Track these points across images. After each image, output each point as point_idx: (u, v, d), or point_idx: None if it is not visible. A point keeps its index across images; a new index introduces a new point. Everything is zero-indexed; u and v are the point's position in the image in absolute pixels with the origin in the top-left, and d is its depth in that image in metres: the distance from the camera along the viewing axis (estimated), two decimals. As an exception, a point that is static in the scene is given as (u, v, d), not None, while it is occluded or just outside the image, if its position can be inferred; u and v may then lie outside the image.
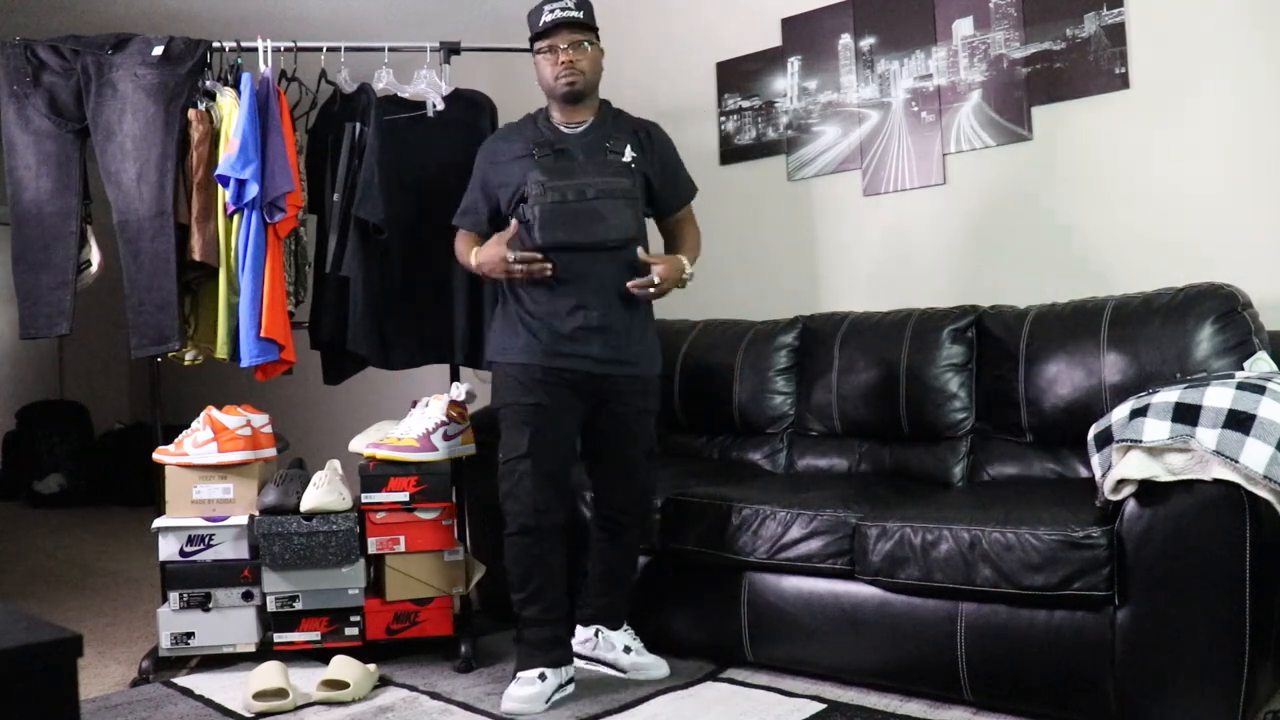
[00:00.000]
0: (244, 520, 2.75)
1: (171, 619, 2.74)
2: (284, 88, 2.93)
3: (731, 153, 3.79)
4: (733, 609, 2.62)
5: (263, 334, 2.77)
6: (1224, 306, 2.45)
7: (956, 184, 3.26)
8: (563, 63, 2.50)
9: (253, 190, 2.73)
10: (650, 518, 2.70)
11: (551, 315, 2.48)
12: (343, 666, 2.54)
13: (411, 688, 2.59)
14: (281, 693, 2.45)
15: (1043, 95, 3.06)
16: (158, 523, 2.77)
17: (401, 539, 2.76)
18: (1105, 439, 2.08)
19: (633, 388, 2.55)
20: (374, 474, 2.77)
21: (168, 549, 2.75)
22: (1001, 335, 2.81)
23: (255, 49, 2.93)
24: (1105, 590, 2.06)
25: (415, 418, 2.85)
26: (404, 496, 2.75)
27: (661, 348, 2.70)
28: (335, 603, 2.75)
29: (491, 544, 3.08)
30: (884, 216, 3.42)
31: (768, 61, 3.68)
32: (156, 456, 2.83)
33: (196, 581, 2.74)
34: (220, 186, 2.79)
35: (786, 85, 3.63)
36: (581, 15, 2.51)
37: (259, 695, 2.43)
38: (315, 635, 2.74)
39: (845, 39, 3.48)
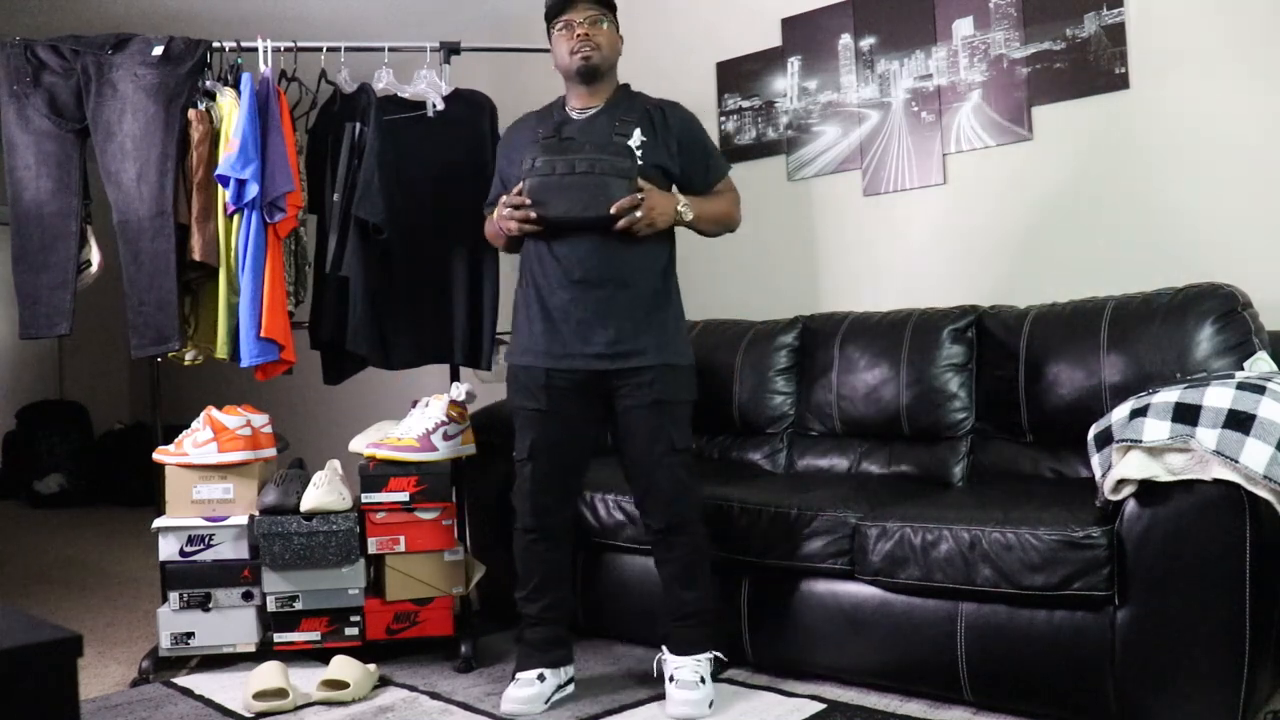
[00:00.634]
0: (244, 520, 2.75)
1: (171, 619, 2.74)
2: (284, 88, 2.93)
3: (731, 153, 3.78)
4: (733, 609, 2.61)
5: (263, 334, 2.77)
6: (1224, 306, 2.45)
7: (956, 184, 3.26)
8: (579, 36, 2.43)
9: (253, 190, 2.73)
10: (694, 526, 2.46)
11: (553, 301, 2.41)
12: (343, 666, 2.54)
13: (411, 688, 2.59)
14: (281, 693, 2.45)
15: (1043, 95, 3.06)
16: (158, 523, 2.77)
17: (401, 539, 2.76)
18: (1105, 439, 2.08)
19: (642, 378, 2.38)
20: (374, 474, 2.77)
21: (168, 549, 2.75)
22: (1001, 335, 2.81)
23: (255, 49, 2.93)
24: (1105, 590, 2.06)
25: (415, 418, 2.85)
26: (404, 496, 2.75)
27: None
28: (335, 603, 2.75)
29: (491, 544, 3.09)
30: (884, 216, 3.42)
31: (768, 61, 3.68)
32: (156, 456, 2.83)
33: (196, 581, 2.74)
34: (220, 186, 2.79)
35: (786, 85, 3.63)
36: None
37: (259, 695, 2.43)
38: (315, 635, 2.74)
39: (845, 39, 3.48)
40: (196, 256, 2.80)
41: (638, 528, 2.78)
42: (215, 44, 2.92)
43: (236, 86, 2.85)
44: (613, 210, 2.31)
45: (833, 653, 2.47)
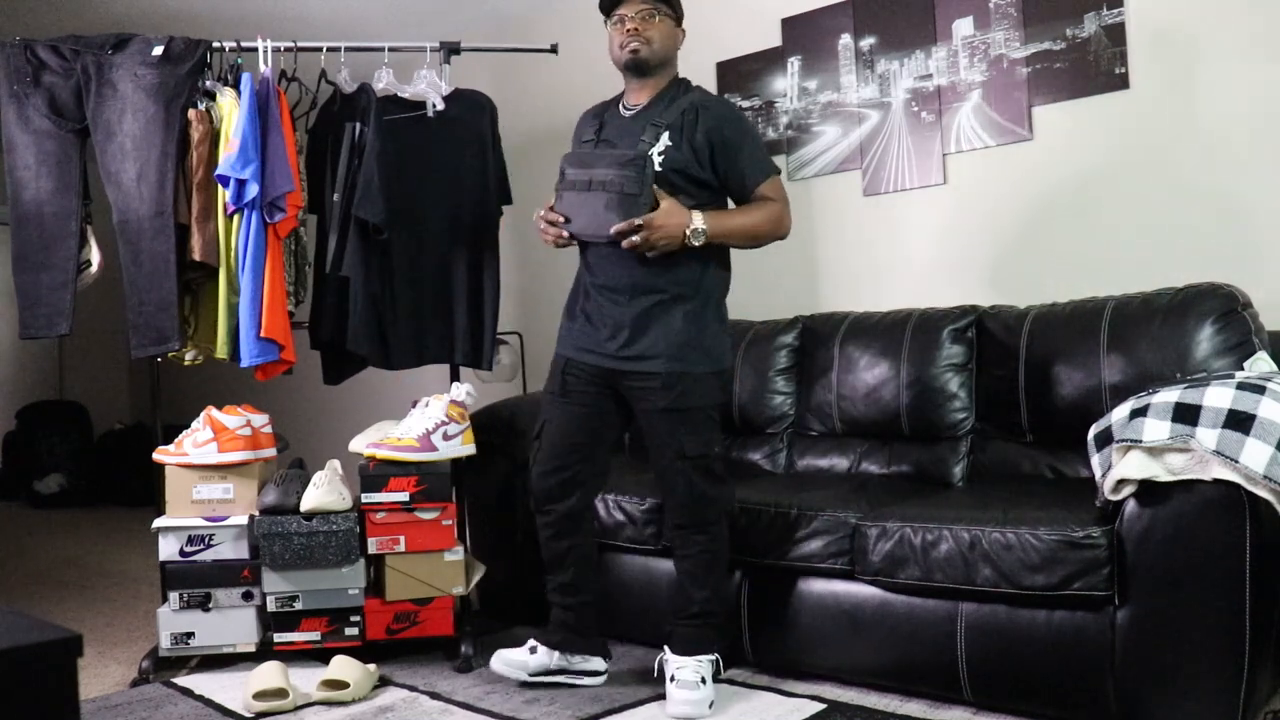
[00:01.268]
0: (244, 520, 2.75)
1: (171, 619, 2.74)
2: (284, 88, 2.93)
3: (731, 153, 3.78)
4: (733, 609, 2.61)
5: (263, 334, 2.77)
6: (1224, 306, 2.45)
7: (956, 184, 3.26)
8: (629, 31, 2.41)
9: (253, 190, 2.73)
10: (713, 528, 2.45)
11: (574, 300, 2.56)
12: (343, 666, 2.54)
13: (411, 688, 2.59)
14: (281, 693, 2.45)
15: (1043, 95, 3.06)
16: (158, 523, 2.77)
17: (401, 539, 2.76)
18: (1105, 439, 2.08)
19: (650, 384, 2.39)
20: (374, 474, 2.76)
21: (168, 549, 2.75)
22: (1001, 335, 2.81)
23: (255, 49, 2.93)
24: (1105, 590, 2.06)
25: (415, 418, 2.85)
26: (404, 496, 2.75)
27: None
28: (335, 603, 2.75)
29: (491, 544, 3.09)
30: (884, 216, 3.42)
31: (768, 61, 3.68)
32: (156, 456, 2.83)
33: (196, 581, 2.74)
34: (220, 186, 2.79)
35: (786, 85, 3.63)
36: None
37: (259, 695, 2.43)
38: (315, 635, 2.74)
39: (845, 39, 3.48)
40: (196, 256, 2.80)
41: (638, 528, 2.79)
42: (215, 44, 2.92)
43: (236, 86, 2.85)
44: (612, 232, 2.33)
45: (833, 653, 2.47)
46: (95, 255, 2.93)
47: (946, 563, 2.25)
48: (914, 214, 3.35)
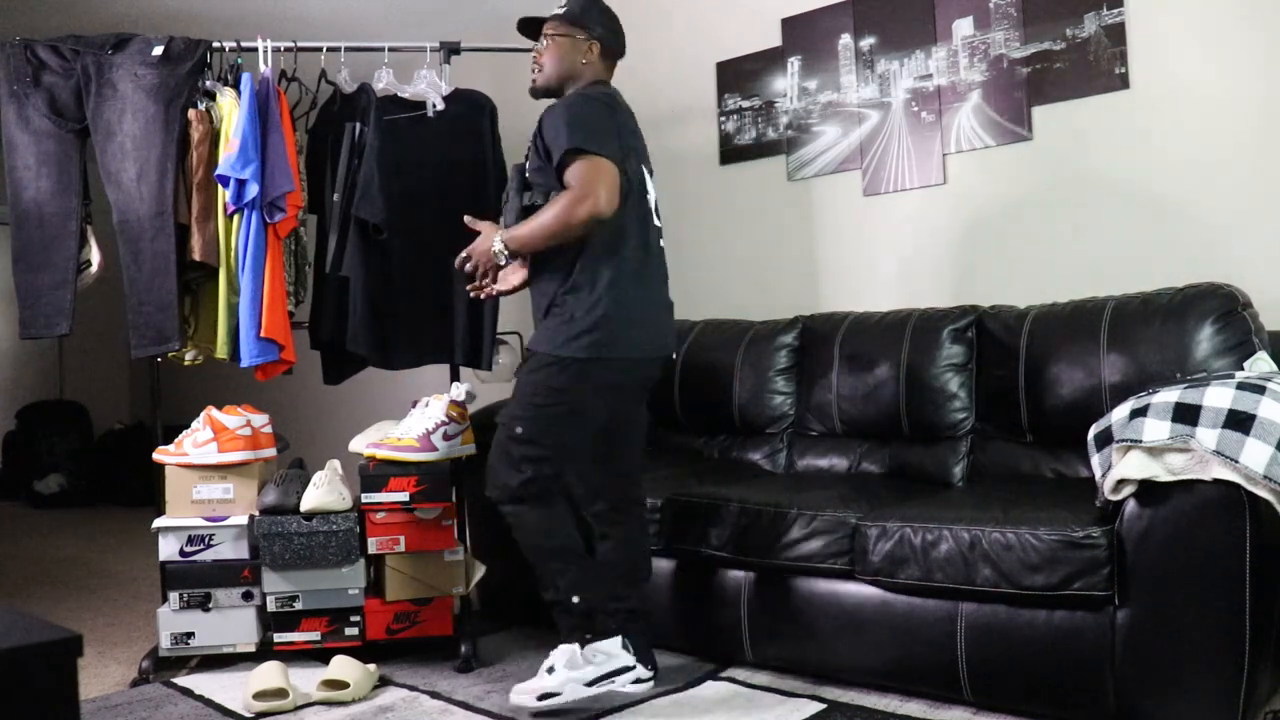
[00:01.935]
0: (244, 520, 2.75)
1: (171, 619, 2.74)
2: (284, 88, 2.93)
3: (731, 153, 3.78)
4: (733, 609, 2.62)
5: (263, 334, 2.77)
6: (1224, 306, 2.45)
7: (956, 184, 3.26)
8: (533, 61, 2.54)
9: (253, 190, 2.73)
10: (506, 513, 2.44)
11: None
12: (343, 666, 2.54)
13: (411, 688, 2.59)
14: (281, 693, 2.45)
15: (1043, 95, 3.06)
16: (158, 523, 2.77)
17: (401, 539, 2.76)
18: (1105, 439, 2.08)
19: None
20: (374, 474, 2.76)
21: (168, 549, 2.75)
22: (1001, 335, 2.81)
23: (255, 49, 2.93)
24: (1105, 590, 2.06)
25: (415, 418, 2.85)
26: (404, 496, 2.74)
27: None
28: (335, 603, 2.75)
29: (491, 544, 3.09)
30: (884, 216, 3.42)
31: (768, 61, 3.68)
32: (156, 456, 2.83)
33: (196, 581, 2.74)
34: (220, 186, 2.79)
35: (786, 85, 3.63)
36: (561, 11, 2.50)
37: (259, 695, 2.43)
38: (315, 635, 2.74)
39: (845, 39, 3.48)
40: (196, 256, 2.80)
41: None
42: (215, 44, 2.92)
43: (236, 86, 2.85)
44: (456, 266, 2.50)
45: (833, 653, 2.47)
46: (95, 255, 2.92)
47: (946, 563, 2.25)
48: (914, 214, 3.35)
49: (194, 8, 4.17)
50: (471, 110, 3.03)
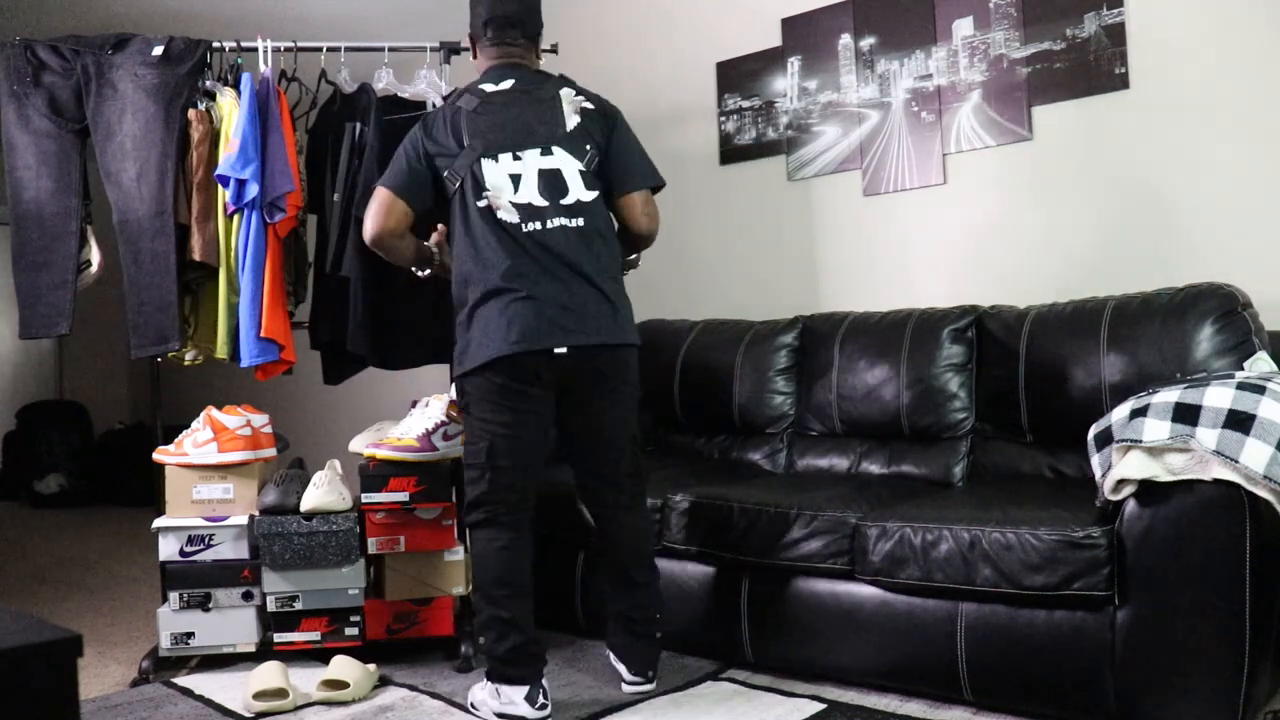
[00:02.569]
0: (244, 520, 2.75)
1: (171, 619, 2.74)
2: (284, 88, 2.93)
3: (731, 153, 3.79)
4: (733, 609, 2.62)
5: (262, 334, 2.77)
6: (1224, 306, 2.45)
7: (956, 184, 3.26)
8: None
9: (253, 190, 2.73)
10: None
11: None
12: (343, 666, 2.54)
13: (411, 688, 2.59)
14: (281, 693, 2.45)
15: (1043, 95, 3.06)
16: (158, 523, 2.77)
17: (401, 539, 2.76)
18: (1105, 439, 2.08)
19: None
20: (374, 474, 2.76)
21: (168, 549, 2.75)
22: (1001, 335, 2.81)
23: (255, 49, 2.93)
24: (1105, 590, 2.06)
25: (415, 418, 2.85)
26: (404, 496, 2.74)
27: (661, 346, 2.65)
28: (335, 603, 2.75)
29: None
30: (884, 216, 3.42)
31: (768, 61, 3.68)
32: (156, 456, 2.83)
33: (196, 581, 2.74)
34: (220, 186, 2.79)
35: (786, 85, 3.63)
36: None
37: (259, 695, 2.43)
38: (315, 635, 2.74)
39: (845, 39, 3.48)
40: (196, 256, 2.80)
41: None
42: (215, 44, 2.92)
43: (236, 86, 2.86)
44: None
45: (833, 653, 2.47)
46: (95, 255, 2.93)
47: (946, 562, 2.25)
48: (914, 214, 3.35)
49: (194, 8, 4.17)
50: (471, 110, 3.03)
